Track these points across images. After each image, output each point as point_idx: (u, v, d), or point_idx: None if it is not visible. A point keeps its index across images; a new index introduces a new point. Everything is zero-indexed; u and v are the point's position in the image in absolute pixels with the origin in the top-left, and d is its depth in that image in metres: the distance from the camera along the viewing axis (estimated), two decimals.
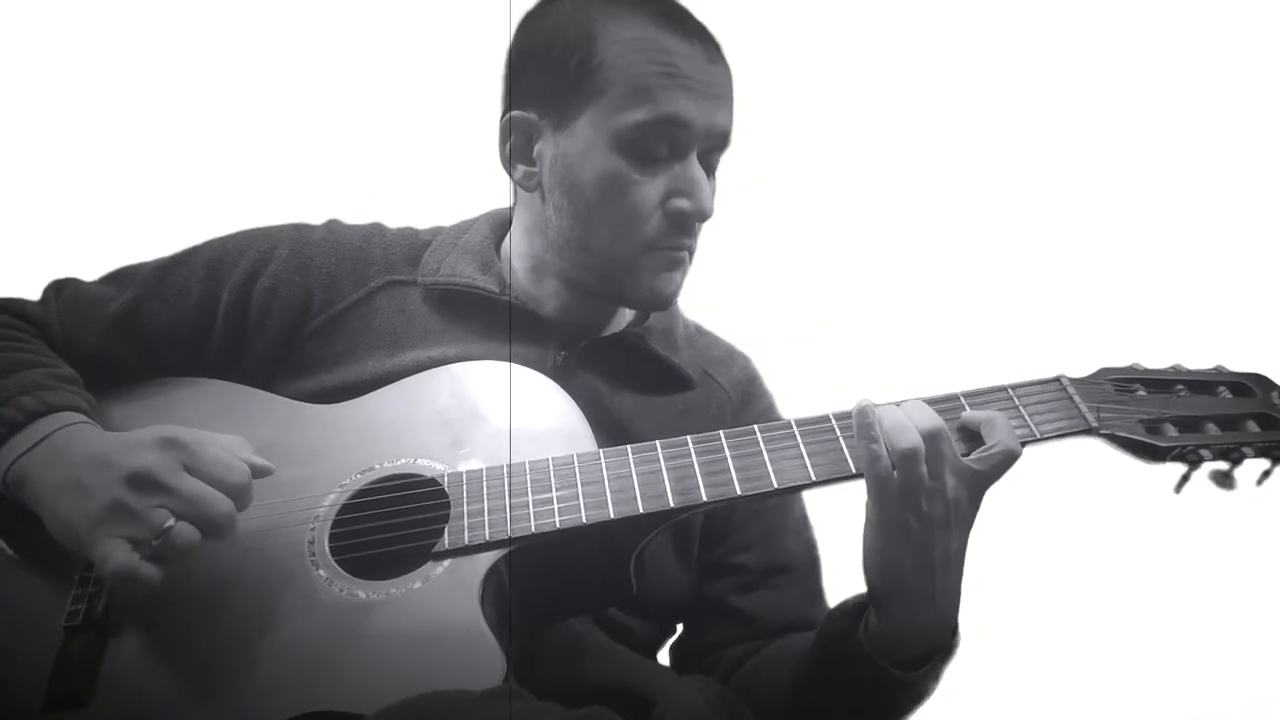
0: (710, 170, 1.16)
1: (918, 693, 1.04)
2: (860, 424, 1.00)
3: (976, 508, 1.01)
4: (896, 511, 0.98)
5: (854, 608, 1.05)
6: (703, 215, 1.14)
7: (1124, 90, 1.98)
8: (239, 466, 0.97)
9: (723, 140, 1.16)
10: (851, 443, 1.02)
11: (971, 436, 1.02)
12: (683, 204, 1.12)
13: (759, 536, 1.24)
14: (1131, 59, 1.98)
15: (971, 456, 1.00)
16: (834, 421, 1.04)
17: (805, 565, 1.26)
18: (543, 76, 1.14)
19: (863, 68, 2.00)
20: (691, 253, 1.17)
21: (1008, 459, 1.00)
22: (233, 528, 0.95)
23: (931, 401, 1.04)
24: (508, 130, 1.18)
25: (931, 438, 0.98)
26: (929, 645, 1.03)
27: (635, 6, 1.13)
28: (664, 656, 1.25)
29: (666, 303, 1.18)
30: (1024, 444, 1.02)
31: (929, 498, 0.97)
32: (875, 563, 1.01)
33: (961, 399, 1.06)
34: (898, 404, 1.02)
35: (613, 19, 1.12)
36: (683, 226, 1.14)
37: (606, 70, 1.10)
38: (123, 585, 0.93)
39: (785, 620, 1.21)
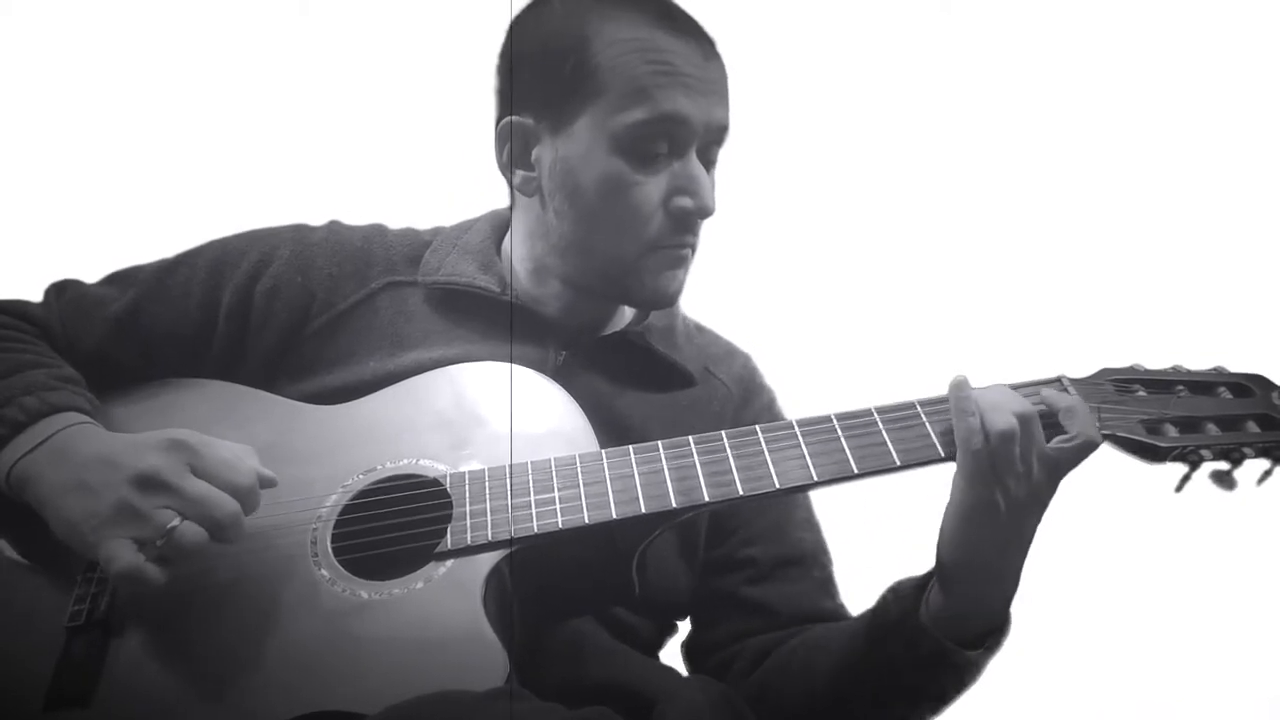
0: (709, 164, 1.16)
1: (976, 672, 1.06)
2: (956, 398, 1.00)
3: (1053, 493, 1.01)
4: (986, 490, 0.98)
5: (912, 590, 1.06)
6: (705, 212, 1.14)
7: (1126, 91, 1.99)
8: (245, 468, 0.97)
9: (720, 134, 1.16)
10: (853, 443, 1.02)
11: (1049, 424, 1.02)
12: (685, 202, 1.13)
13: (767, 530, 1.24)
14: (1134, 60, 1.98)
15: (1051, 444, 1.00)
16: (835, 422, 1.04)
17: (814, 555, 1.26)
18: (538, 81, 1.14)
19: (866, 67, 2.00)
20: (694, 249, 1.17)
21: (1087, 448, 1.00)
22: (239, 529, 0.96)
23: (1018, 386, 1.05)
24: (505, 135, 1.18)
25: (1024, 421, 0.98)
26: (985, 626, 1.04)
27: (628, 6, 1.13)
28: (675, 655, 1.25)
29: (671, 300, 1.19)
30: None
31: (1017, 480, 0.98)
32: (954, 540, 1.02)
33: (1064, 383, 1.06)
34: (985, 388, 1.02)
35: (607, 20, 1.12)
36: (685, 225, 1.14)
37: (603, 73, 1.10)
38: (128, 586, 0.94)
39: (800, 610, 1.21)
